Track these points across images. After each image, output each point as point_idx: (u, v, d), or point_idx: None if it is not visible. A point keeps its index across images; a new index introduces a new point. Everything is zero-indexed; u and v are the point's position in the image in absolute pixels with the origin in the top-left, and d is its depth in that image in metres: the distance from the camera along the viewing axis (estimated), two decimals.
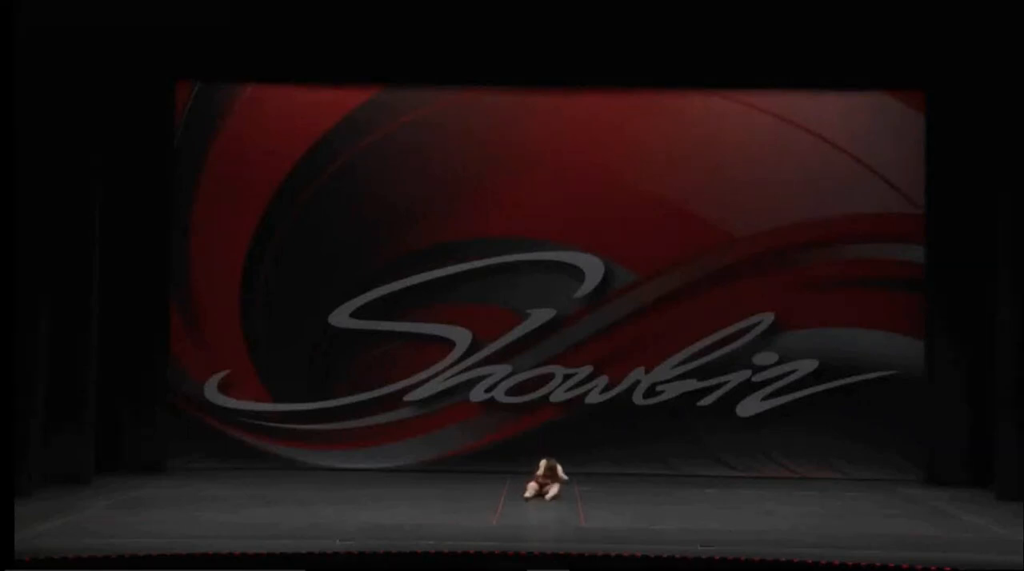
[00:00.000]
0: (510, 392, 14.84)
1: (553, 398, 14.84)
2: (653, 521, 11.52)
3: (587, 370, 14.83)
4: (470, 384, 14.85)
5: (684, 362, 14.77)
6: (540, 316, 14.83)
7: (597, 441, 14.72)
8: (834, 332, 14.64)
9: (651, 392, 14.79)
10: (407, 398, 14.85)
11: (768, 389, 14.71)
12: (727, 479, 14.40)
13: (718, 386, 14.75)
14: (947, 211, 14.39)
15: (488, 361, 14.83)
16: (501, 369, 14.84)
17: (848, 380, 14.60)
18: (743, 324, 14.72)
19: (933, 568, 9.31)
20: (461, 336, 14.84)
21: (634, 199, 14.77)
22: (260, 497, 12.56)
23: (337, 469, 14.61)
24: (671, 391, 14.76)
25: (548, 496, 12.58)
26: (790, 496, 13.23)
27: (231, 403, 14.76)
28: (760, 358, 14.73)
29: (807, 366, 14.65)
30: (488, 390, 14.85)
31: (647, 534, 10.70)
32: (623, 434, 14.71)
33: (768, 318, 14.72)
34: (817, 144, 14.73)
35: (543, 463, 12.87)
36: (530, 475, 12.86)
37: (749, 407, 14.72)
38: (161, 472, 14.18)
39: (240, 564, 9.29)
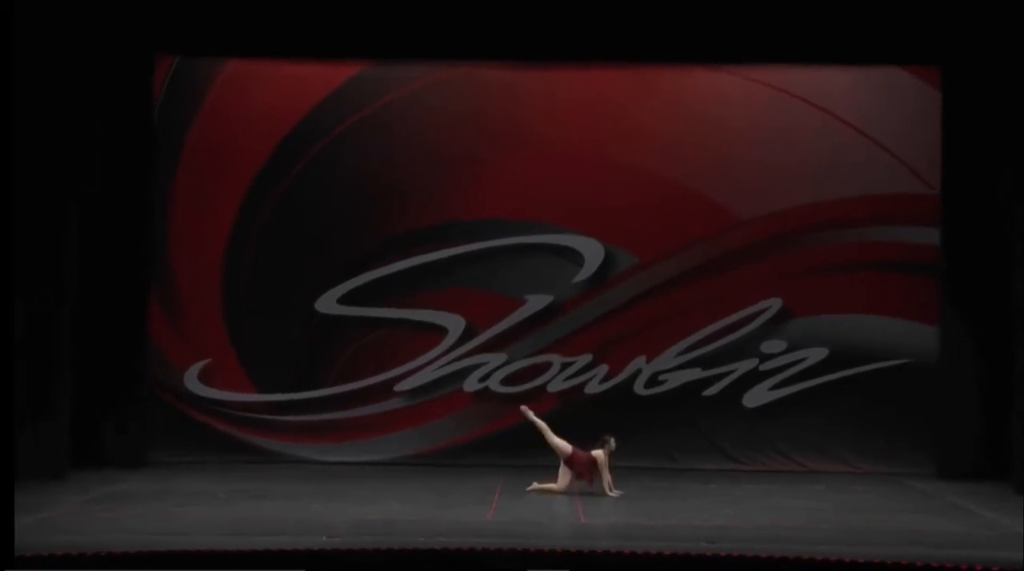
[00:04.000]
0: (505, 381, 14.84)
1: (551, 388, 14.84)
2: (655, 516, 11.52)
3: (586, 358, 14.83)
4: (464, 373, 14.85)
5: (688, 350, 14.78)
6: (537, 302, 14.83)
7: (597, 433, 14.64)
8: (845, 319, 14.65)
9: (653, 382, 14.80)
10: (398, 388, 14.85)
11: (776, 378, 14.72)
12: (732, 473, 14.42)
13: (723, 375, 14.76)
14: (963, 192, 14.38)
15: (482, 349, 14.83)
16: (496, 357, 14.84)
17: (859, 369, 14.62)
18: (750, 310, 14.72)
19: (948, 566, 9.32)
20: (454, 323, 14.83)
21: (635, 180, 14.75)
22: (244, 492, 12.54)
23: (325, 462, 14.61)
24: (674, 380, 14.78)
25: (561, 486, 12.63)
26: (798, 490, 13.23)
27: (213, 393, 14.74)
28: (767, 346, 14.73)
29: (816, 354, 14.66)
30: (482, 379, 14.85)
31: (649, 530, 10.69)
32: (624, 425, 14.51)
33: (776, 304, 14.71)
34: (826, 122, 14.71)
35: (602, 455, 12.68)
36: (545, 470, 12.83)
37: (756, 397, 14.74)
38: (140, 466, 14.16)
39: (223, 562, 9.27)
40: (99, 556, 9.33)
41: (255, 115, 14.76)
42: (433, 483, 13.23)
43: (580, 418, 14.63)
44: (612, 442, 12.76)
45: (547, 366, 14.84)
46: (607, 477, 12.60)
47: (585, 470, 12.65)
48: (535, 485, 12.77)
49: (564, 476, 12.67)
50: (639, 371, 14.79)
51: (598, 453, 12.65)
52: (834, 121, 14.71)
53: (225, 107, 14.77)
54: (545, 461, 13.16)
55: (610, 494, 12.51)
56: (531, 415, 12.90)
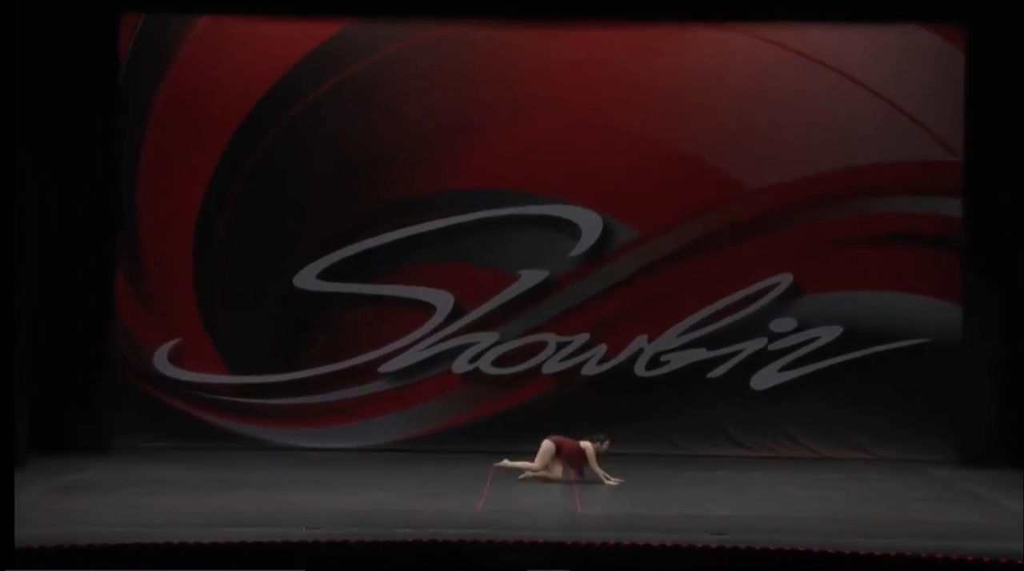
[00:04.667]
0: (497, 362, 14.83)
1: (546, 369, 14.85)
2: (656, 506, 11.53)
3: (583, 338, 14.83)
4: (453, 353, 14.84)
5: (692, 329, 14.78)
6: (531, 277, 14.81)
7: (595, 417, 14.60)
8: (860, 295, 14.65)
9: (655, 363, 14.80)
10: (382, 369, 14.84)
11: (786, 359, 14.73)
12: (739, 459, 14.44)
13: (730, 356, 14.77)
14: (988, 160, 14.36)
15: (473, 328, 14.82)
16: (487, 337, 14.83)
17: (876, 349, 14.62)
18: (758, 286, 14.72)
19: (969, 559, 9.33)
20: (442, 300, 14.81)
21: (636, 146, 14.70)
22: (217, 480, 12.52)
23: (304, 448, 14.61)
24: (677, 361, 14.78)
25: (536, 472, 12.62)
26: (810, 478, 13.25)
27: (184, 375, 14.72)
28: (777, 324, 14.74)
29: (830, 333, 14.67)
30: (473, 360, 14.84)
31: (650, 521, 10.70)
32: (624, 409, 14.70)
33: (786, 279, 14.70)
34: (841, 84, 14.66)
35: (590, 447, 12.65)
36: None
37: (765, 379, 14.75)
38: (105, 453, 14.15)
39: (195, 555, 9.25)
40: (61, 549, 9.29)
41: (229, 76, 14.69)
42: (420, 471, 13.24)
43: (577, 401, 14.71)
44: (606, 443, 12.73)
45: (542, 346, 14.83)
46: (598, 470, 12.57)
47: (575, 458, 12.64)
48: (505, 462, 12.77)
49: (555, 466, 12.66)
50: (640, 351, 14.80)
51: (586, 444, 12.64)
52: (849, 83, 14.67)
53: (196, 68, 14.69)
54: (534, 448, 13.13)
55: (608, 482, 12.51)
56: (511, 464, 12.82)
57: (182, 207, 14.74)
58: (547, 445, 12.70)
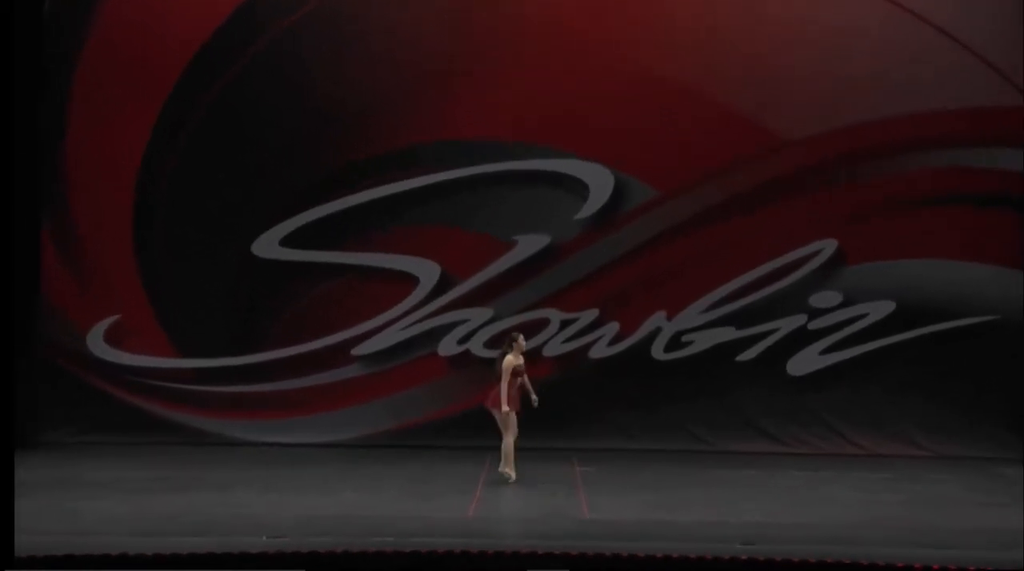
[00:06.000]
0: (491, 343, 14.78)
1: (547, 351, 14.86)
2: (676, 511, 11.52)
3: (591, 315, 14.84)
4: (438, 333, 14.87)
5: (718, 305, 14.80)
6: (530, 244, 14.81)
7: (604, 407, 14.75)
8: (914, 265, 14.67)
9: (675, 344, 14.82)
10: (356, 351, 14.87)
11: (829, 340, 14.74)
12: (774, 456, 14.45)
13: (763, 336, 14.79)
14: None
15: (462, 303, 14.84)
16: (479, 314, 14.85)
17: (932, 328, 14.64)
18: (796, 254, 14.73)
19: None
20: (426, 270, 14.80)
21: (654, 91, 14.67)
22: (164, 480, 12.52)
23: (264, 444, 14.62)
24: (701, 342, 14.80)
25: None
26: (856, 479, 13.25)
27: (124, 358, 14.74)
28: (818, 299, 14.75)
29: (880, 309, 14.68)
30: (462, 341, 14.87)
31: (668, 528, 10.69)
32: (638, 397, 14.75)
33: (829, 246, 14.71)
34: (892, 17, 14.62)
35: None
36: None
37: (803, 363, 14.78)
38: (31, 448, 14.12)
39: (133, 570, 9.26)
40: None
41: (170, 15, 14.65)
42: (401, 470, 13.23)
43: (583, 388, 14.74)
44: (520, 338, 12.69)
45: (543, 324, 14.84)
46: (527, 382, 12.60)
47: (506, 398, 12.53)
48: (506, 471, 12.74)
49: (505, 427, 12.59)
50: (658, 330, 14.81)
51: (505, 363, 12.51)
52: (903, 16, 14.61)
53: (131, 9, 14.65)
54: (539, 442, 13.15)
55: (533, 397, 12.58)
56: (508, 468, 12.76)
57: (119, 167, 14.74)
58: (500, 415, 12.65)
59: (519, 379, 12.57)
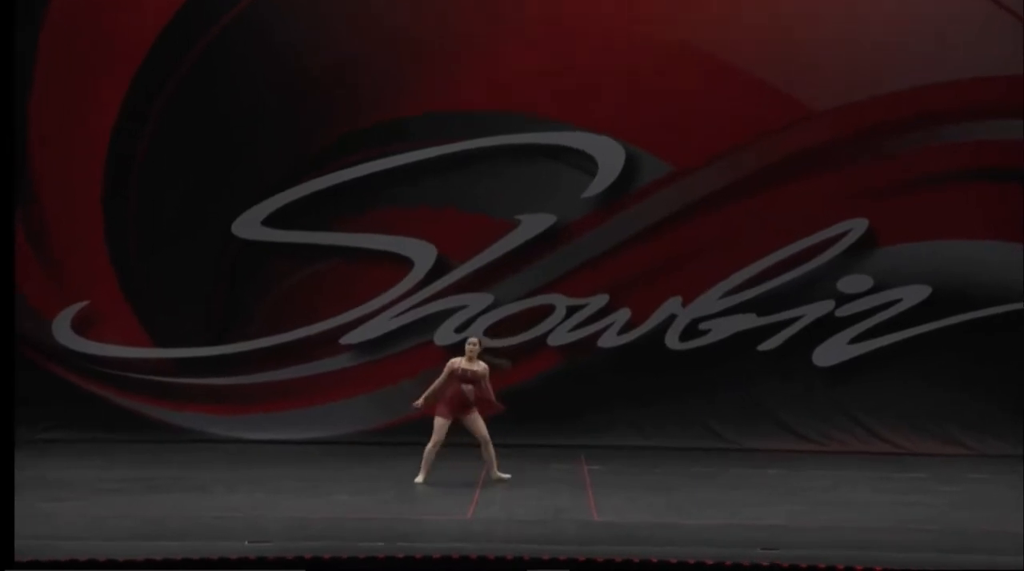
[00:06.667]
0: (492, 331, 14.76)
1: (552, 340, 14.90)
2: (691, 513, 11.48)
3: (600, 301, 14.87)
4: (435, 320, 14.92)
5: (738, 290, 14.84)
6: (533, 224, 14.83)
7: (614, 401, 14.77)
8: (951, 246, 14.70)
9: (691, 332, 14.86)
10: (345, 340, 14.91)
11: (858, 328, 14.78)
12: (797, 454, 14.50)
13: (787, 323, 14.82)
14: None
15: (460, 287, 14.88)
16: (479, 299, 14.88)
17: (972, 315, 14.70)
18: (823, 235, 14.76)
19: None
20: (421, 252, 14.83)
21: (670, 59, 14.69)
22: (140, 481, 12.49)
23: (247, 441, 14.68)
24: (720, 330, 14.84)
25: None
26: (888, 479, 13.24)
27: (93, 347, 14.81)
28: (847, 284, 14.78)
29: (914, 295, 14.72)
30: (460, 329, 14.85)
31: (683, 532, 10.65)
32: (652, 390, 14.79)
33: (859, 226, 14.73)
34: None
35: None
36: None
37: (831, 353, 14.83)
38: None
39: None
40: None
41: None
42: (394, 469, 13.21)
43: (592, 380, 14.78)
44: (473, 342, 12.41)
45: (548, 310, 14.88)
46: (483, 393, 12.37)
47: (424, 397, 12.43)
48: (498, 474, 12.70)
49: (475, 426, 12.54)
50: (672, 318, 14.84)
51: (448, 364, 12.36)
52: None
53: None
54: (544, 439, 13.14)
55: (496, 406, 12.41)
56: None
57: (88, 141, 14.76)
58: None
59: (464, 386, 12.38)
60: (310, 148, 14.84)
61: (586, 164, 14.79)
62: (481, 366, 12.28)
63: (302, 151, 14.84)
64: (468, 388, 12.29)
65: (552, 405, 14.24)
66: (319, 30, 14.73)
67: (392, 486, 12.47)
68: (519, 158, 14.82)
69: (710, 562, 9.56)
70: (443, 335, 14.87)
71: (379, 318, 14.87)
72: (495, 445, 12.94)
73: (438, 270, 14.84)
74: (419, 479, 12.45)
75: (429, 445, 12.42)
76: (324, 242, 14.86)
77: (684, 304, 14.83)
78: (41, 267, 14.75)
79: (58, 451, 14.06)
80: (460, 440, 14.20)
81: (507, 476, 12.53)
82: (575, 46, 14.71)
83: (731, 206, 14.80)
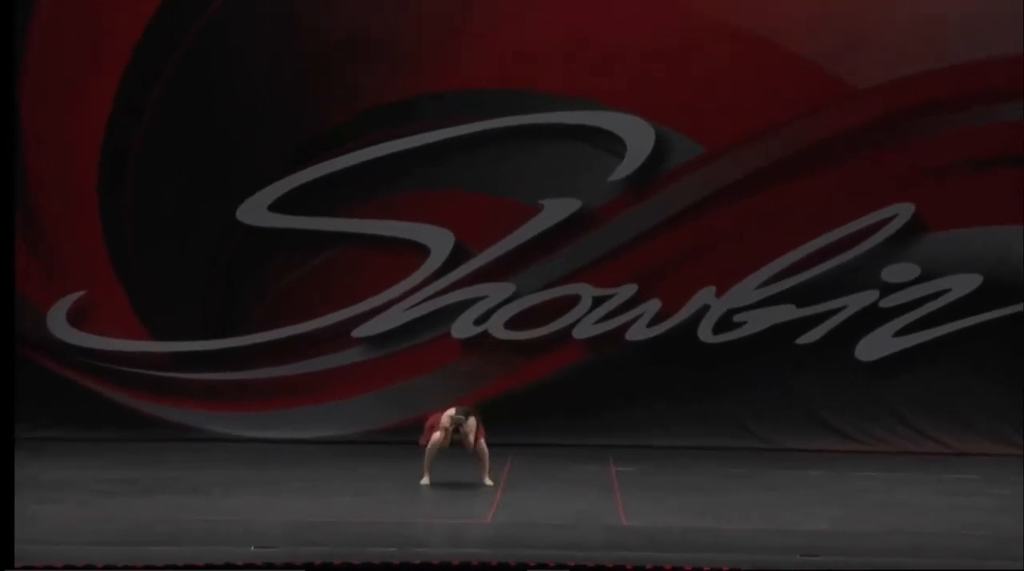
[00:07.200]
0: (512, 324, 14.87)
1: (577, 333, 14.88)
2: (727, 517, 11.46)
3: (629, 291, 14.84)
4: (452, 312, 14.91)
5: (776, 279, 14.82)
6: (557, 209, 14.81)
7: (644, 398, 14.76)
8: (1004, 232, 14.66)
9: (726, 324, 14.84)
10: (357, 333, 14.92)
11: (904, 319, 14.75)
12: (840, 455, 14.48)
13: (828, 315, 14.80)
14: None
15: (480, 277, 14.87)
16: (499, 289, 14.87)
17: None
18: (867, 221, 14.72)
19: None
20: (438, 239, 14.82)
21: (703, 32, 14.67)
22: (134, 482, 12.51)
23: (249, 439, 14.72)
24: (756, 322, 14.83)
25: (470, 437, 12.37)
26: (936, 481, 13.22)
27: (88, 340, 14.82)
28: (892, 272, 14.76)
29: (964, 284, 14.68)
30: (479, 321, 14.91)
31: (718, 537, 10.62)
32: (683, 387, 14.79)
33: (905, 211, 14.69)
34: None
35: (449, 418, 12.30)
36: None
37: (875, 347, 14.80)
38: None
39: None
40: None
41: None
42: (407, 469, 13.17)
43: (619, 375, 14.76)
44: (463, 423, 12.32)
45: (572, 301, 14.87)
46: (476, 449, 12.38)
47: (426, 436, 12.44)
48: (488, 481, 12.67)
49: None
50: (706, 309, 14.83)
51: (444, 417, 12.34)
52: None
53: None
54: (569, 439, 13.11)
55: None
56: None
57: (84, 120, 14.78)
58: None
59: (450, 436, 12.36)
60: (320, 129, 14.86)
61: (613, 145, 14.78)
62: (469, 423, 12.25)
63: (312, 131, 14.86)
64: (457, 438, 12.28)
65: (577, 402, 14.22)
66: (326, 5, 14.80)
67: (405, 487, 12.46)
68: (542, 139, 14.81)
69: (745, 569, 9.55)
70: (461, 328, 14.88)
71: (393, 310, 14.87)
72: (516, 445, 12.98)
73: (456, 258, 14.84)
74: (424, 481, 12.43)
75: (428, 445, 12.40)
76: (334, 229, 14.86)
77: (718, 294, 14.81)
78: (34, 257, 14.82)
79: (49, 450, 14.10)
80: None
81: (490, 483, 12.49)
82: (601, 19, 14.69)
83: (768, 190, 14.77)
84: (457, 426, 12.29)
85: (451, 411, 12.36)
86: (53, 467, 13.21)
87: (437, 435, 12.34)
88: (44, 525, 10.84)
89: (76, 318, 14.78)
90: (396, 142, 14.79)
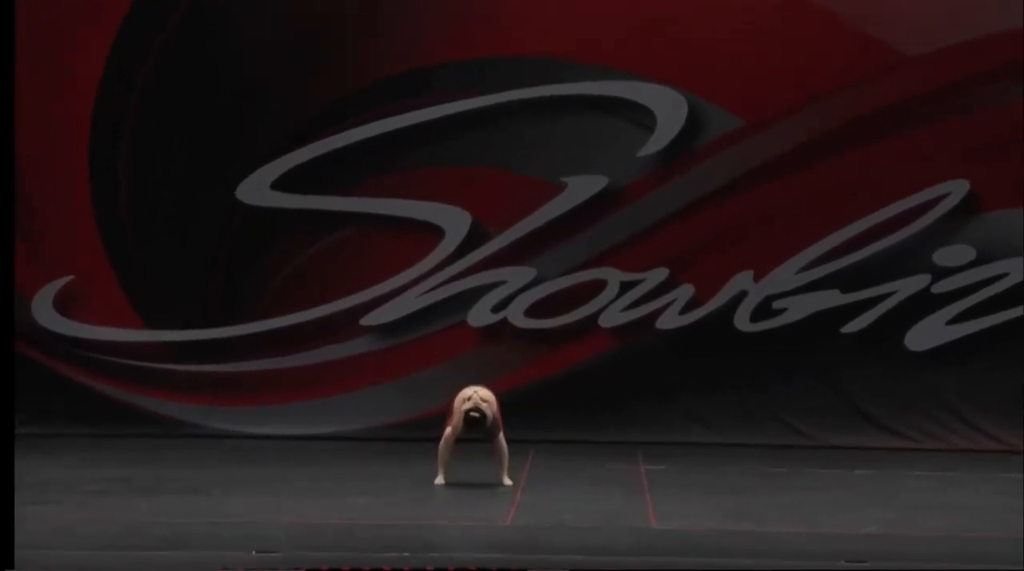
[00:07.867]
0: (533, 311, 14.90)
1: (604, 321, 14.92)
2: (766, 520, 11.44)
3: (660, 275, 14.87)
4: (469, 298, 14.97)
5: (818, 263, 14.84)
6: (582, 187, 14.84)
7: (676, 391, 14.79)
8: None
9: (764, 311, 14.87)
10: (365, 321, 14.98)
11: (958, 306, 14.76)
12: (889, 452, 14.50)
13: (875, 301, 14.80)
14: None
15: (498, 261, 14.92)
16: (519, 274, 14.91)
17: None
18: (917, 200, 14.73)
19: None
20: (454, 220, 14.87)
21: None
22: (128, 481, 12.56)
23: (249, 436, 14.78)
24: (797, 310, 14.85)
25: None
26: (993, 481, 13.19)
27: (77, 329, 14.90)
28: (945, 255, 14.76)
29: (1022, 269, 14.64)
30: (498, 308, 14.95)
31: (755, 541, 10.60)
32: (719, 378, 14.83)
33: (959, 189, 14.69)
34: None
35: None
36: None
37: (927, 336, 14.82)
38: None
39: None
40: None
41: None
42: (421, 467, 13.19)
43: (649, 366, 14.81)
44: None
45: (599, 287, 14.90)
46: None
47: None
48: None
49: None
50: (743, 295, 14.87)
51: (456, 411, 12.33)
52: None
53: None
54: (596, 435, 13.11)
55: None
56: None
57: (72, 92, 14.88)
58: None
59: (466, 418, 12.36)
60: (327, 100, 14.94)
61: (643, 118, 14.82)
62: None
63: (318, 103, 14.94)
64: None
65: (604, 395, 14.24)
66: None
67: (418, 487, 12.48)
68: (565, 111, 14.85)
69: None
70: (478, 315, 14.93)
71: (405, 296, 14.95)
72: (538, 441, 12.98)
73: (473, 240, 14.89)
74: (439, 480, 12.44)
75: (441, 443, 12.40)
76: (342, 208, 14.92)
77: (756, 279, 14.85)
78: (18, 236, 14.73)
79: (37, 447, 14.08)
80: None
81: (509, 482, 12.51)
82: None
83: (810, 167, 14.80)
84: (473, 407, 12.25)
85: (465, 392, 12.30)
86: (36, 466, 13.14)
87: (448, 431, 12.35)
88: (35, 526, 10.87)
89: (63, 304, 14.88)
90: (408, 115, 14.86)
